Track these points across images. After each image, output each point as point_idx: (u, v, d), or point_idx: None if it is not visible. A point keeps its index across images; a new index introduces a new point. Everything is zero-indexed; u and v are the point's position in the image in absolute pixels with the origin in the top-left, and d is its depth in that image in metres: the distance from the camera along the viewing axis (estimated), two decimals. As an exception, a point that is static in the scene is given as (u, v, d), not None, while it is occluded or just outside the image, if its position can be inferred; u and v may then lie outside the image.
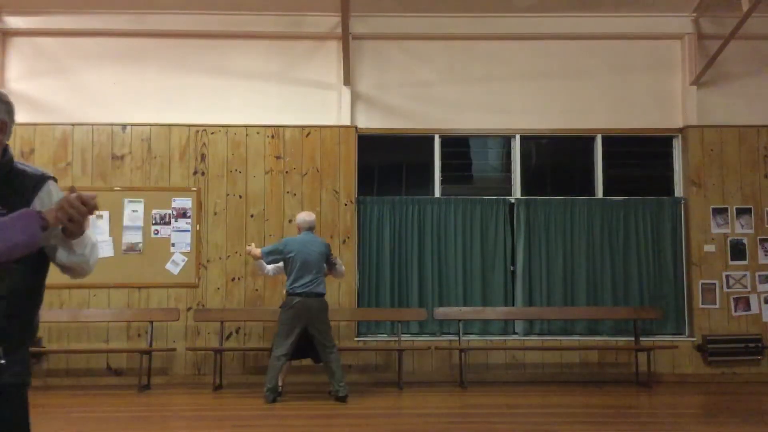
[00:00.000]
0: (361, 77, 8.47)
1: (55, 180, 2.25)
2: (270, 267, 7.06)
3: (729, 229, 8.31)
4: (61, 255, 2.15)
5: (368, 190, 8.58)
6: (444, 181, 8.56)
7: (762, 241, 8.28)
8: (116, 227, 8.07)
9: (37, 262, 2.16)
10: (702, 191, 8.35)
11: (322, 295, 6.76)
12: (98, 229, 7.98)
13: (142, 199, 8.13)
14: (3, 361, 2.09)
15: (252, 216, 8.18)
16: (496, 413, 6.32)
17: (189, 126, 8.26)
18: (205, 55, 8.41)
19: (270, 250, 6.84)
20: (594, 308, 8.24)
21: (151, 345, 7.74)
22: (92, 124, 8.23)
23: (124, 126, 8.24)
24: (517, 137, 8.57)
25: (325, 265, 6.89)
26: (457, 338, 7.97)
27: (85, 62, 8.37)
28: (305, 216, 7.02)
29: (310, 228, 6.95)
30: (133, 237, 8.08)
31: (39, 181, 2.19)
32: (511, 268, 8.42)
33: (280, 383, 6.73)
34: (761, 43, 8.48)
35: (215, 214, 8.17)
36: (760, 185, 8.36)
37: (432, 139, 8.54)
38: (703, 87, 8.45)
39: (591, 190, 8.58)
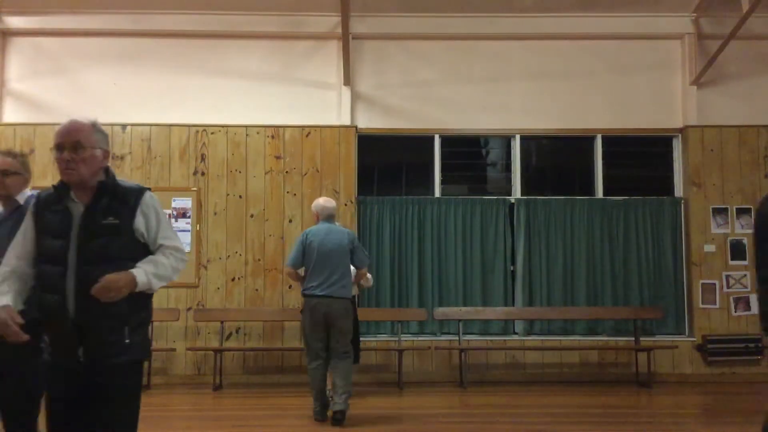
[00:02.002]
0: (361, 77, 8.47)
1: (150, 189, 2.70)
2: (301, 271, 5.87)
3: (729, 229, 8.31)
4: None
5: (368, 190, 8.58)
6: (444, 181, 8.56)
7: (762, 241, 8.26)
8: (116, 227, 8.05)
9: None
10: (702, 191, 8.35)
11: (346, 298, 5.72)
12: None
13: (142, 199, 8.12)
14: (128, 341, 2.56)
15: (252, 216, 8.18)
16: (496, 413, 6.32)
17: (189, 126, 8.26)
18: (205, 55, 8.41)
19: (292, 254, 5.84)
20: (594, 308, 8.24)
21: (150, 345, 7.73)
22: (92, 124, 8.21)
23: (124, 126, 8.24)
24: (517, 137, 8.57)
25: (350, 263, 5.78)
26: (457, 338, 7.97)
27: (85, 62, 8.36)
28: (323, 202, 5.96)
29: (330, 216, 5.88)
30: (133, 237, 8.06)
31: (138, 193, 2.64)
32: (511, 268, 8.42)
33: (327, 389, 5.81)
34: (761, 43, 8.47)
35: (215, 214, 8.17)
36: (760, 185, 8.35)
37: (432, 139, 8.54)
38: (703, 87, 8.45)
39: (591, 190, 8.58)
